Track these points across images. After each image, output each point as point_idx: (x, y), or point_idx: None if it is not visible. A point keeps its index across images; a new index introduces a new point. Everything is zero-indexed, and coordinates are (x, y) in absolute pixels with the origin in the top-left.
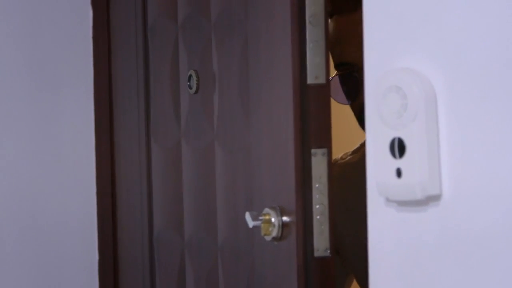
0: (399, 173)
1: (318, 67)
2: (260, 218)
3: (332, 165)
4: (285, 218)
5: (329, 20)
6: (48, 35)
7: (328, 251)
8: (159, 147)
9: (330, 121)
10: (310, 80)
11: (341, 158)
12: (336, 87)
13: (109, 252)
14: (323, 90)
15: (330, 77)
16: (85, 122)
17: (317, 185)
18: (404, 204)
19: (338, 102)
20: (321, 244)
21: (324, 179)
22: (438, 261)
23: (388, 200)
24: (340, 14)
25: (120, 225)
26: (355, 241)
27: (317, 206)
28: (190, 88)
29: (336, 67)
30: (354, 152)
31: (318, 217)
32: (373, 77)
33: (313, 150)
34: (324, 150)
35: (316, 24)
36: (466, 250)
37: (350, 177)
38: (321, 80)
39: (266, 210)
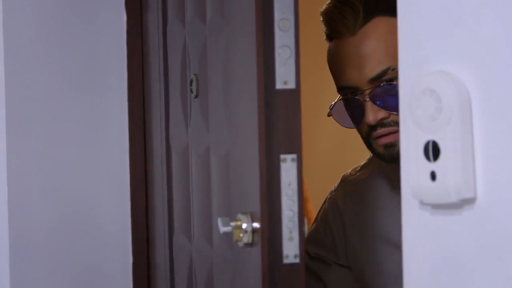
0: (433, 176)
1: (288, 72)
2: (232, 224)
3: (342, 182)
4: (255, 224)
5: (328, 44)
6: (83, 40)
7: (298, 258)
8: (174, 151)
9: (300, 127)
10: (279, 85)
11: (350, 174)
12: (341, 112)
13: (143, 255)
14: (293, 95)
15: (333, 102)
16: (119, 127)
17: (286, 191)
18: (439, 207)
19: (345, 127)
20: (290, 250)
21: (294, 185)
22: (473, 265)
23: (422, 203)
24: (339, 38)
25: (151, 228)
26: (371, 258)
27: (287, 212)
28: (192, 92)
29: (338, 91)
30: (362, 167)
31: (287, 223)
32: (407, 80)
33: (282, 156)
34: (294, 155)
35: (285, 29)
36: (501, 254)
37: (362, 194)
38: (291, 85)
39: (238, 216)
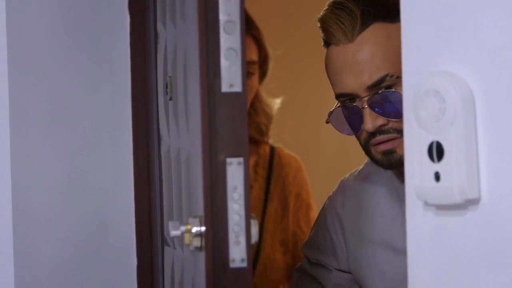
0: (437, 177)
1: (233, 75)
2: (182, 228)
3: (341, 187)
4: (203, 228)
5: (326, 50)
6: (87, 41)
7: (245, 262)
8: (162, 155)
9: (247, 130)
10: (224, 88)
11: (348, 179)
12: (340, 119)
13: (147, 257)
14: (239, 98)
15: (332, 109)
16: (123, 129)
17: (232, 195)
18: (443, 208)
19: (345, 134)
20: (237, 254)
21: (241, 189)
22: (477, 265)
23: (426, 204)
24: (336, 44)
25: (153, 231)
26: (372, 263)
27: (233, 217)
28: (167, 94)
29: (336, 97)
30: (360, 172)
31: (233, 227)
32: (411, 81)
33: (228, 159)
34: (240, 159)
35: (231, 32)
36: (506, 254)
37: (360, 200)
38: (237, 88)
39: (190, 219)
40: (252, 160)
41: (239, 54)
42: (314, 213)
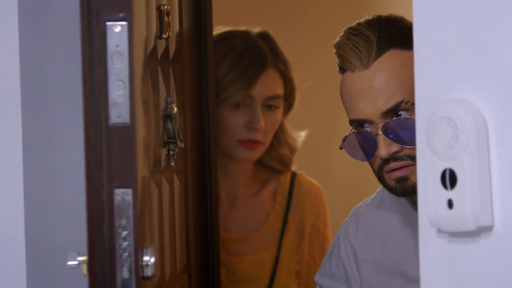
0: (450, 204)
1: (121, 107)
2: (79, 258)
3: (353, 215)
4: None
5: (341, 76)
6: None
7: None
8: None
9: (135, 161)
10: (112, 119)
11: (361, 207)
12: (354, 145)
13: None
14: (127, 130)
15: (346, 135)
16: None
17: (122, 223)
18: (456, 235)
19: (358, 160)
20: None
21: (130, 219)
22: None
23: (439, 231)
24: (352, 70)
25: None
26: None
27: (120, 250)
28: None
29: (350, 123)
30: (373, 200)
31: (121, 260)
32: (424, 108)
33: (116, 190)
34: (129, 190)
35: (119, 63)
36: None
37: (374, 228)
38: (125, 120)
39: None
40: (270, 187)
41: (127, 85)
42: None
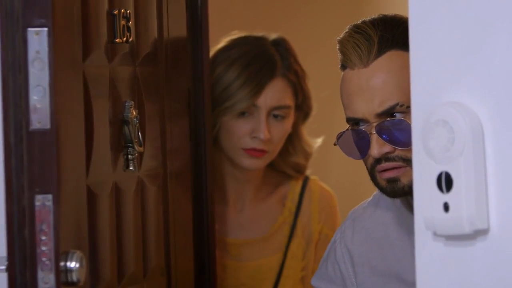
0: (446, 207)
1: (42, 113)
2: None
3: (350, 219)
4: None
5: (342, 73)
6: None
7: None
8: None
9: (55, 167)
10: (33, 125)
11: (357, 211)
12: (348, 142)
13: None
14: (47, 136)
15: (341, 132)
16: None
17: (43, 228)
18: (452, 238)
19: (352, 158)
20: None
21: (51, 224)
22: None
23: (435, 234)
24: (352, 68)
25: None
26: None
27: (42, 256)
28: None
29: (346, 120)
30: (369, 203)
31: (43, 266)
32: (420, 111)
33: (37, 196)
34: (49, 196)
35: (39, 69)
36: None
37: (369, 232)
38: (45, 125)
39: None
40: (281, 192)
41: (47, 91)
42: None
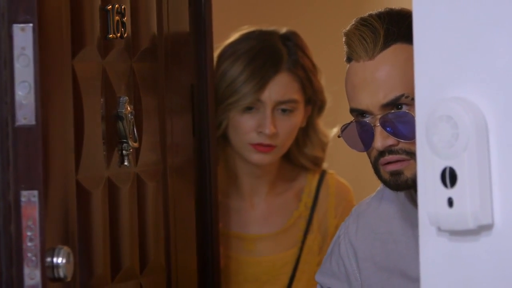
0: (450, 202)
1: (27, 108)
2: None
3: (354, 215)
4: None
5: (347, 65)
6: None
7: None
8: None
9: (41, 163)
10: (18, 121)
11: (361, 206)
12: (353, 134)
13: None
14: (32, 132)
15: (345, 125)
16: None
17: (29, 224)
18: (456, 233)
19: (356, 150)
20: None
21: (36, 220)
22: None
23: (439, 230)
24: (357, 60)
25: None
26: None
27: (28, 252)
28: None
29: (350, 112)
30: (373, 199)
31: (29, 262)
32: (424, 107)
33: (22, 192)
34: (35, 192)
35: (25, 65)
36: None
37: (374, 228)
38: (30, 121)
39: None
40: (297, 186)
41: (33, 87)
42: None
